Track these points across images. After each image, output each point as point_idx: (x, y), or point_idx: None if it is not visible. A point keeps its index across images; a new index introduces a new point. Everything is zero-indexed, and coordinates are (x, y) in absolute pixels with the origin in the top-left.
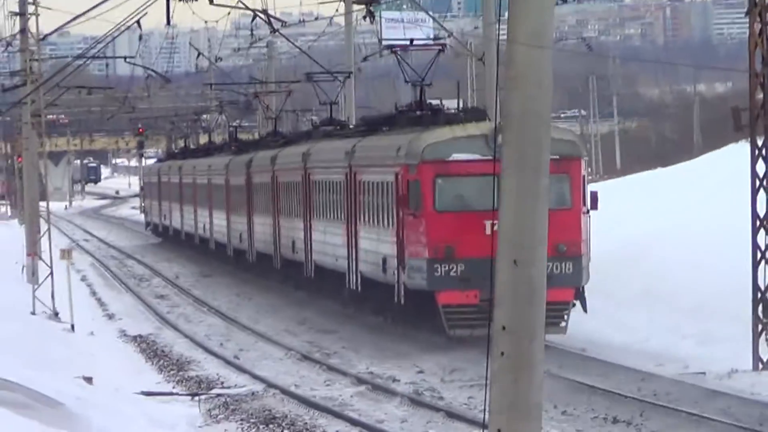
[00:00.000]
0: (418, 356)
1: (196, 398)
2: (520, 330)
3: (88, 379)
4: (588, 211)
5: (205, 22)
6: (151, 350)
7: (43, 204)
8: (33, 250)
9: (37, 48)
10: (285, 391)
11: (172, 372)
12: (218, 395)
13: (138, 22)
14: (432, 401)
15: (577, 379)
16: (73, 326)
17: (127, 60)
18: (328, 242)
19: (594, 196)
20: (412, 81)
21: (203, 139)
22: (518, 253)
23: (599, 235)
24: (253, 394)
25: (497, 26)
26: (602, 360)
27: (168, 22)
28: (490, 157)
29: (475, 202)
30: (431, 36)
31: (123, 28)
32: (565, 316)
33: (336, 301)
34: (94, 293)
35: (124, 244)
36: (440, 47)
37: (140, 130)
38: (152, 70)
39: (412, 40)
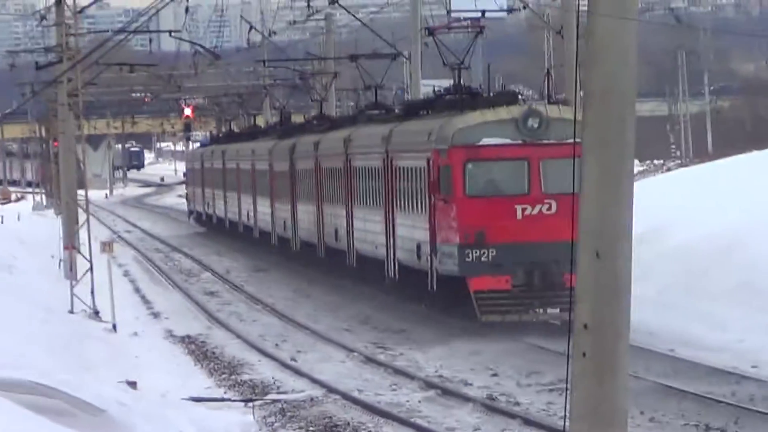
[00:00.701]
0: (492, 358)
1: (250, 404)
2: (603, 328)
3: (132, 384)
4: None
5: None
6: (201, 352)
7: (81, 192)
8: (71, 243)
9: (74, 21)
10: (347, 396)
11: (223, 376)
12: (274, 401)
13: None
14: (507, 407)
15: (666, 382)
16: (114, 326)
17: (173, 34)
18: (368, 230)
19: None
20: (450, 64)
21: (257, 121)
22: (600, 245)
23: (686, 225)
24: (312, 399)
25: None
26: (692, 361)
27: None
28: (521, 141)
29: (506, 186)
30: (504, 7)
31: (168, 0)
32: None
33: (466, 318)
34: (137, 290)
35: (170, 236)
36: (479, 29)
37: (185, 113)
38: (200, 46)
39: (483, 12)
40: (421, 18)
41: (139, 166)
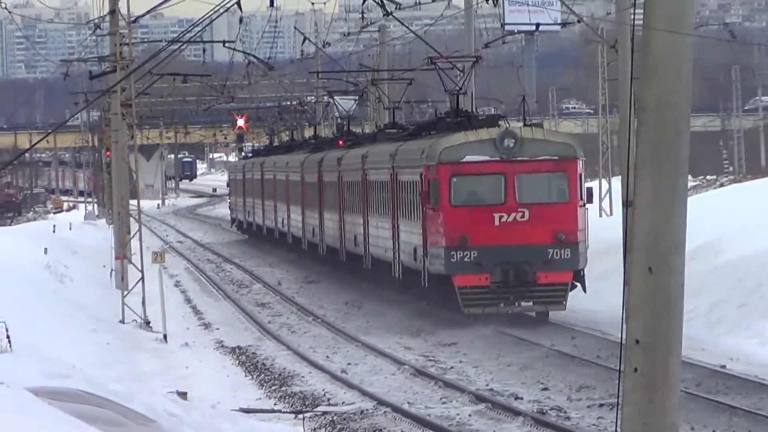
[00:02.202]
0: (543, 372)
1: (300, 416)
2: (655, 344)
3: (183, 395)
4: (585, 205)
5: (312, 3)
6: (251, 363)
7: (133, 202)
8: (122, 253)
9: (128, 31)
10: (397, 409)
11: (273, 387)
12: (324, 413)
13: (239, 3)
14: (558, 422)
15: (717, 398)
16: (165, 336)
17: (226, 45)
18: (380, 236)
19: (589, 191)
20: (450, 91)
21: (308, 132)
22: (654, 260)
23: (739, 240)
24: (362, 412)
25: (632, 10)
26: (745, 377)
27: (271, 4)
28: (498, 158)
29: (485, 197)
30: (559, 20)
31: (222, 10)
32: (565, 296)
33: (453, 311)
34: (188, 300)
35: (222, 247)
36: (476, 59)
37: (238, 124)
38: (253, 56)
39: (537, 25)
40: (475, 31)
41: (192, 176)
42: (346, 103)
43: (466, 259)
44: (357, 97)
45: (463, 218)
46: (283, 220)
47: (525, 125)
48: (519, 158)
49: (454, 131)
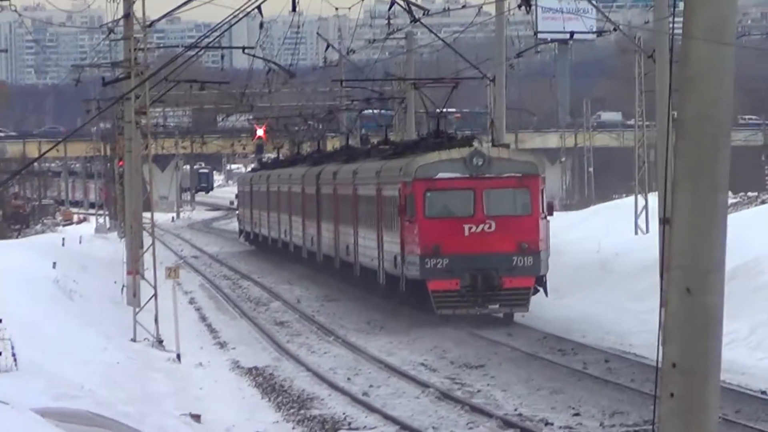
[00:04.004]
0: (575, 396)
1: None
2: (693, 368)
3: (196, 417)
4: (546, 217)
5: (336, 9)
6: (269, 384)
7: (146, 215)
8: (134, 268)
9: (143, 36)
10: None
11: (292, 410)
12: None
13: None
14: None
15: (758, 425)
16: (179, 356)
17: (246, 51)
18: (367, 245)
19: (550, 205)
20: (431, 113)
21: (333, 143)
22: (692, 280)
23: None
24: None
25: (671, 19)
26: None
27: (293, 8)
28: (468, 175)
29: (456, 210)
30: (594, 28)
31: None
32: (528, 298)
33: (478, 329)
34: (203, 318)
35: (239, 262)
36: (454, 83)
37: (257, 134)
38: (274, 63)
39: (572, 34)
40: (507, 39)
41: (208, 188)
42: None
43: (438, 265)
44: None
45: (436, 229)
46: (285, 231)
47: (493, 146)
48: (486, 175)
49: (432, 150)
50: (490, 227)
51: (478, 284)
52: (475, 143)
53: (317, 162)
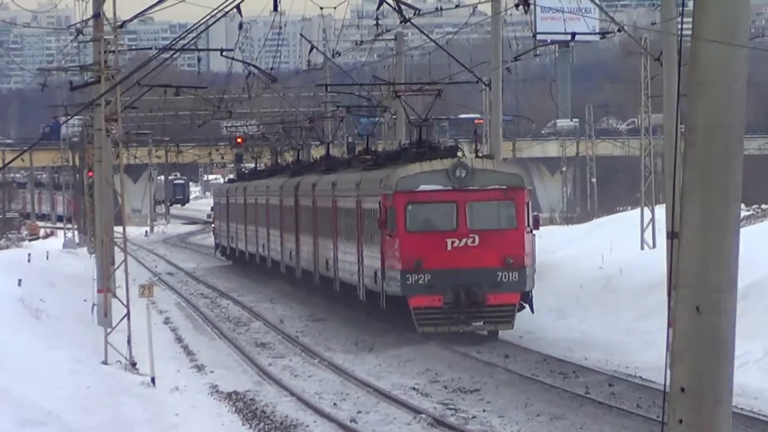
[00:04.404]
0: (576, 423)
1: None
2: (702, 392)
3: None
4: (531, 231)
5: (321, 8)
6: (249, 410)
7: (118, 229)
8: (106, 286)
9: (113, 37)
10: None
11: None
12: None
13: (238, 7)
14: None
15: None
16: (153, 379)
17: (224, 53)
18: (347, 260)
19: (536, 219)
20: (413, 122)
21: (317, 152)
22: (702, 298)
23: None
24: None
25: (680, 19)
26: None
27: (275, 8)
28: (450, 188)
29: (438, 223)
30: (597, 29)
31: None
32: (513, 315)
33: (475, 352)
34: (179, 339)
35: (217, 279)
36: (437, 92)
37: (238, 139)
38: (254, 66)
39: (573, 35)
40: (504, 40)
41: (184, 200)
42: (365, 121)
43: (420, 281)
44: (378, 115)
45: (417, 243)
46: (263, 245)
47: (476, 157)
48: (470, 187)
49: (414, 161)
50: (473, 241)
51: (462, 301)
52: (459, 154)
53: (296, 173)
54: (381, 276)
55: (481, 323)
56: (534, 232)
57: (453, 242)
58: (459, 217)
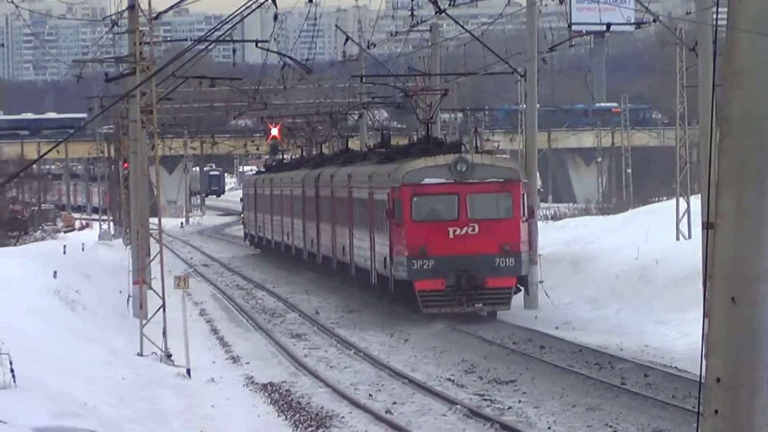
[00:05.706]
0: (612, 413)
1: None
2: (738, 383)
3: None
4: (527, 220)
5: (355, 0)
6: (285, 402)
7: (153, 220)
8: (141, 277)
9: (148, 29)
10: None
11: (309, 429)
12: None
13: None
14: None
15: None
16: (188, 371)
17: (259, 45)
18: (361, 247)
19: (531, 209)
20: (422, 120)
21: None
22: (737, 289)
23: None
24: None
25: (715, 9)
26: None
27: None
28: (452, 181)
29: (441, 214)
30: (632, 20)
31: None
32: (510, 297)
33: (510, 343)
34: (215, 331)
35: (252, 271)
36: (444, 92)
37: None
38: (289, 58)
39: (608, 25)
40: (539, 31)
41: (219, 191)
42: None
43: (425, 266)
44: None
45: (422, 232)
46: (288, 234)
47: (476, 152)
48: (470, 180)
49: (420, 156)
50: (473, 230)
51: (463, 284)
52: (463, 149)
53: (317, 165)
54: (390, 261)
55: (481, 305)
56: (529, 220)
57: (455, 231)
58: (460, 207)
